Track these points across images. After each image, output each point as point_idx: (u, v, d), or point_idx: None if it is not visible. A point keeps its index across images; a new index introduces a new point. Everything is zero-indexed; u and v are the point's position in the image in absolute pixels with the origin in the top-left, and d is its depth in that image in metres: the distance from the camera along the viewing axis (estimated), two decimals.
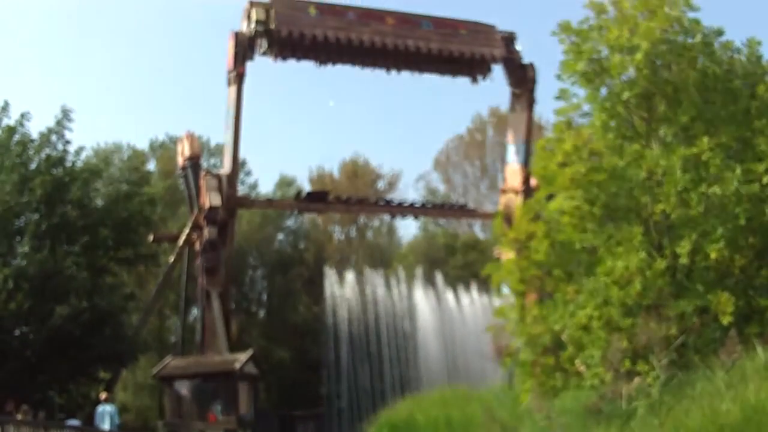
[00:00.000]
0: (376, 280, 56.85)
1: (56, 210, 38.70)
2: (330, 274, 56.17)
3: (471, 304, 56.34)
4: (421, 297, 57.33)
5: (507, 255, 21.82)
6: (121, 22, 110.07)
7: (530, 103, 47.88)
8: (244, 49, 43.31)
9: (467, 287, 57.65)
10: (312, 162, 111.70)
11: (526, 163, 46.08)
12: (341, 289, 55.46)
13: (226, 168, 43.82)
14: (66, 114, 40.75)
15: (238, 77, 43.22)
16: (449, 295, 57.60)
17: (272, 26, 42.33)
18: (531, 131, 48.26)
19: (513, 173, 47.67)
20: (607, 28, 19.68)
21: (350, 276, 56.33)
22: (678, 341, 17.12)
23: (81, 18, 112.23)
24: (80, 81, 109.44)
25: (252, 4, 42.91)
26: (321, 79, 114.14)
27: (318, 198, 47.38)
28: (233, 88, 43.30)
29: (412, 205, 49.30)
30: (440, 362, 55.97)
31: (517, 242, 20.68)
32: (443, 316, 57.07)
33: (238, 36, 43.24)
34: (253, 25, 42.60)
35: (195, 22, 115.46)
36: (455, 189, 74.53)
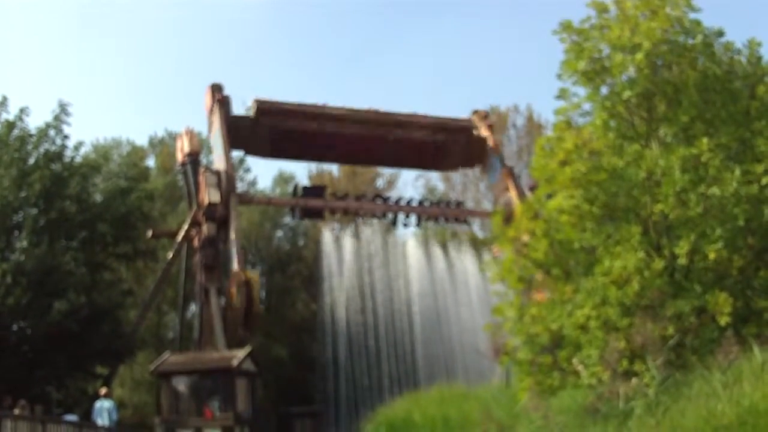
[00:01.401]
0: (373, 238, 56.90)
1: (55, 205, 38.78)
2: (327, 237, 56.18)
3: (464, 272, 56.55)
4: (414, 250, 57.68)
5: (505, 253, 21.77)
6: (122, 17, 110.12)
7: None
8: (220, 89, 45.55)
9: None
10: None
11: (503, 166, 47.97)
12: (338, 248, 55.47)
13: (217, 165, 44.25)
14: (63, 109, 40.89)
15: (220, 104, 44.23)
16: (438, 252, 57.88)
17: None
18: (500, 145, 50.11)
19: (499, 182, 48.83)
20: (608, 27, 19.68)
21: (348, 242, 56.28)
22: (674, 341, 17.12)
23: (82, 13, 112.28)
24: (80, 77, 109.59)
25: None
26: (321, 77, 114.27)
27: (315, 193, 47.41)
28: (216, 118, 44.17)
29: (409, 203, 49.29)
30: (438, 353, 56.10)
31: (516, 241, 20.68)
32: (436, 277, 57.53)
33: (213, 85, 45.52)
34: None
35: (197, 18, 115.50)
36: (454, 187, 74.46)
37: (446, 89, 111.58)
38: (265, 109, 45.34)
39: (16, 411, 28.86)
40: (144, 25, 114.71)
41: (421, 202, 50.49)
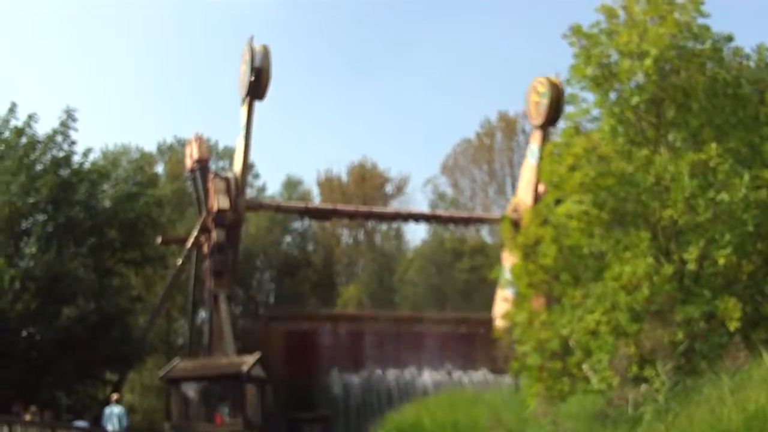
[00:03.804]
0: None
1: (63, 211, 38.77)
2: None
3: None
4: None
5: (515, 259, 21.78)
6: (131, 24, 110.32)
7: None
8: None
9: None
10: (320, 164, 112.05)
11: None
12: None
13: (236, 169, 44.27)
14: (70, 114, 40.87)
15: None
16: None
17: None
18: None
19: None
20: (617, 32, 19.69)
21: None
22: (683, 346, 17.10)
23: (91, 19, 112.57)
24: (90, 83, 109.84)
25: None
26: (330, 81, 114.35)
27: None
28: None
29: (421, 215, 49.17)
30: None
31: (525, 246, 20.68)
32: None
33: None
34: None
35: (205, 24, 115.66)
36: (463, 193, 74.42)
37: (455, 94, 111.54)
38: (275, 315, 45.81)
39: (27, 417, 28.85)
40: (153, 30, 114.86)
41: (432, 216, 50.08)
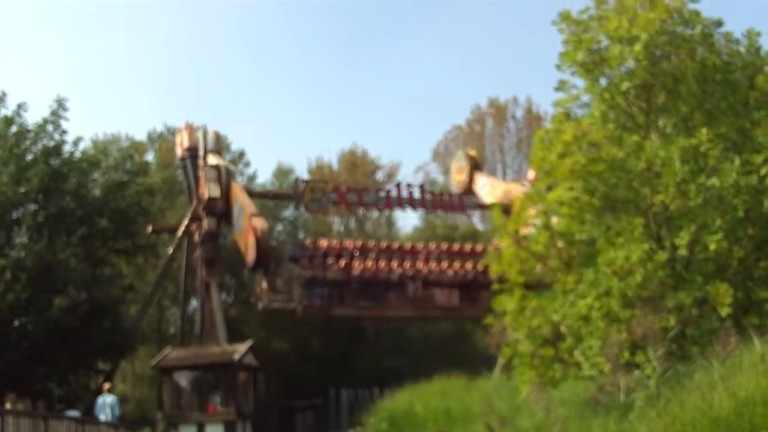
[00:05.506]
0: None
1: (53, 200, 38.76)
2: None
3: None
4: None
5: (505, 246, 21.73)
6: (120, 10, 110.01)
7: None
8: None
9: None
10: (311, 152, 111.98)
11: None
12: None
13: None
14: (61, 104, 40.83)
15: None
16: None
17: None
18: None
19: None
20: (606, 18, 19.65)
21: None
22: (675, 332, 17.12)
23: (80, 8, 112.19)
24: (79, 72, 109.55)
25: None
26: (322, 68, 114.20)
27: (317, 186, 47.01)
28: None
29: (411, 195, 48.60)
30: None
31: (516, 233, 20.65)
32: None
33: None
34: None
35: (195, 9, 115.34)
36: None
37: (445, 80, 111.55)
38: None
39: (8, 405, 28.49)
40: (143, 16, 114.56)
41: (422, 196, 49.57)
